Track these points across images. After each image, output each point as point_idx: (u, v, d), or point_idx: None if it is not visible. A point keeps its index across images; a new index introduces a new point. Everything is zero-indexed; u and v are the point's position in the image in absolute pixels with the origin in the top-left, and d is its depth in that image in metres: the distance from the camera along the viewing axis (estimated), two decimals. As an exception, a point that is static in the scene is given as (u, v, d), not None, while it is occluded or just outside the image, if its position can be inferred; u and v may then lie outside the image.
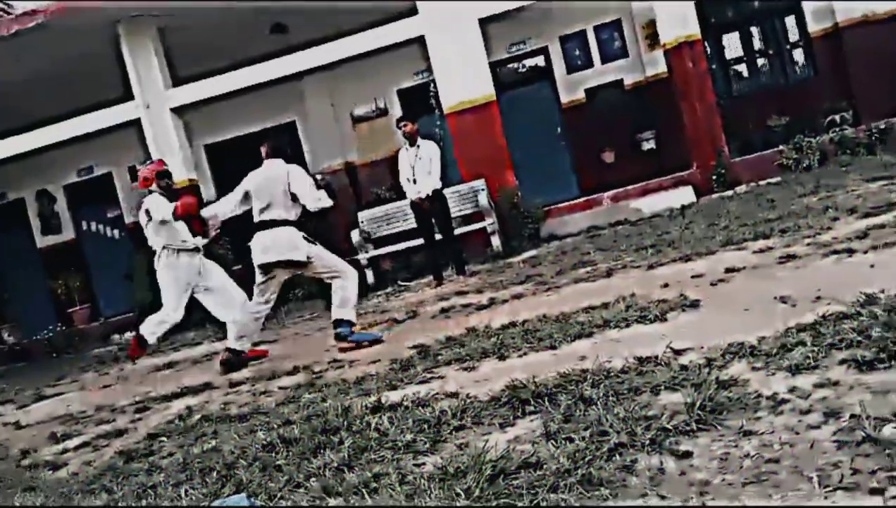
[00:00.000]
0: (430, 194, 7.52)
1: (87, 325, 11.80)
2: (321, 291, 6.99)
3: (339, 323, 5.10)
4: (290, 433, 3.03)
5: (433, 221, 7.82)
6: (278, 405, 3.73)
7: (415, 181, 7.66)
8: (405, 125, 7.59)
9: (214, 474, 2.79)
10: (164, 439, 3.67)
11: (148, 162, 6.32)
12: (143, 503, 2.65)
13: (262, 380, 4.65)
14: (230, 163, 12.91)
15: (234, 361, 5.33)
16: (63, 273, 12.56)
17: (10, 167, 11.65)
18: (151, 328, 5.92)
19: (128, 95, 10.69)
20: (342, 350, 5.00)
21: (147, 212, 5.71)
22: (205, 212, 5.54)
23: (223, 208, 5.52)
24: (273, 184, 5.19)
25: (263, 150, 5.40)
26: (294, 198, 5.18)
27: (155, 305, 6.05)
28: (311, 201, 5.13)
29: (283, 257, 5.11)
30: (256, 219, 5.24)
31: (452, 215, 9.48)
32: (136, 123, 10.76)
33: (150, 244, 5.92)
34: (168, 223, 5.66)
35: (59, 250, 13.51)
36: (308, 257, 5.11)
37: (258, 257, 5.19)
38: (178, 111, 10.75)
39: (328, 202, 5.20)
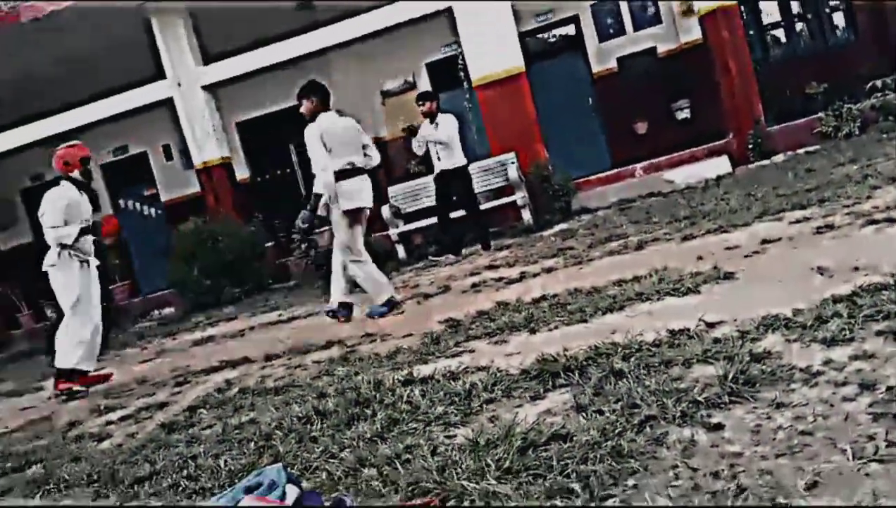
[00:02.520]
0: (452, 170, 7.51)
1: (127, 301, 12.08)
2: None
3: (343, 306, 5.48)
4: (325, 405, 3.09)
5: (454, 197, 7.80)
6: (313, 379, 3.80)
7: (439, 158, 7.66)
8: (423, 104, 7.54)
9: (252, 445, 2.87)
10: (203, 411, 3.76)
11: (65, 144, 5.81)
12: (183, 473, 2.73)
13: (297, 354, 4.73)
14: (261, 140, 13.07)
15: (346, 314, 5.55)
16: (102, 251, 12.84)
17: (46, 148, 11.90)
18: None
19: (160, 74, 10.82)
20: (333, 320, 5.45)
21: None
22: (325, 189, 5.23)
23: (328, 171, 5.19)
24: (350, 133, 5.37)
25: (310, 104, 5.39)
26: (364, 151, 5.45)
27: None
28: (375, 153, 5.51)
29: (370, 203, 5.40)
30: (340, 167, 5.24)
31: (482, 190, 9.47)
32: (168, 102, 10.90)
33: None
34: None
35: (97, 228, 13.81)
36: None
37: (349, 203, 5.27)
38: (209, 89, 10.85)
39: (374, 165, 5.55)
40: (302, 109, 5.40)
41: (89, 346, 5.51)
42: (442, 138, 7.52)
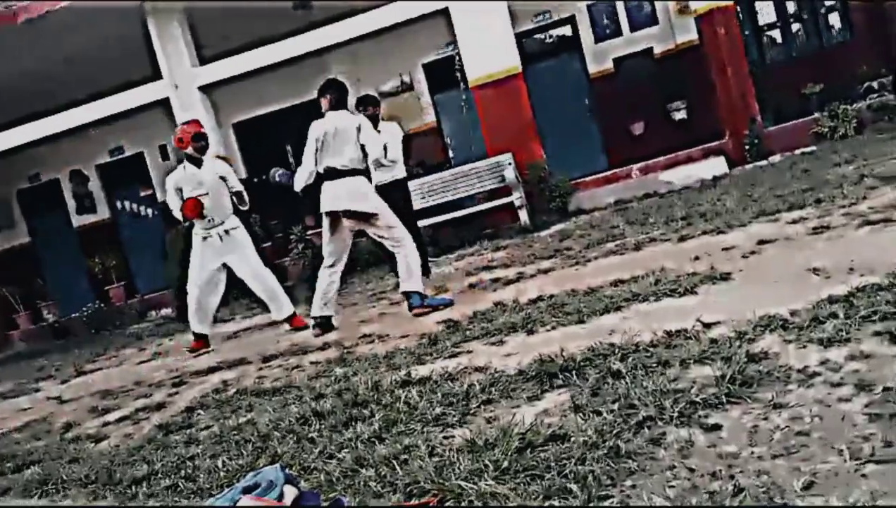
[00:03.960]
0: (390, 183, 6.43)
1: (124, 302, 12.06)
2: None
3: (408, 295, 5.10)
4: (323, 406, 3.09)
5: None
6: (310, 380, 3.80)
7: (375, 169, 6.51)
8: (365, 109, 6.36)
9: (250, 446, 2.87)
10: (201, 412, 3.76)
11: (185, 121, 6.16)
12: (181, 473, 2.73)
13: (295, 355, 4.73)
14: (258, 141, 13.05)
15: (328, 324, 5.33)
16: (99, 252, 12.83)
17: (42, 149, 11.88)
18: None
19: (156, 75, 10.80)
20: (416, 316, 4.97)
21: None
22: (296, 184, 5.31)
23: (308, 169, 5.21)
24: (343, 134, 5.11)
25: (325, 102, 5.27)
26: (363, 150, 5.14)
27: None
28: (377, 151, 5.13)
29: (352, 206, 5.06)
30: (323, 168, 5.14)
31: (479, 191, 9.49)
32: (164, 103, 10.88)
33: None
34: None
35: (95, 230, 13.79)
36: (375, 210, 5.08)
37: (326, 205, 5.13)
38: (205, 90, 10.84)
39: (390, 162, 5.27)
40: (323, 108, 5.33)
41: (200, 310, 5.99)
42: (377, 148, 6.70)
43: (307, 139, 5.18)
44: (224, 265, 5.93)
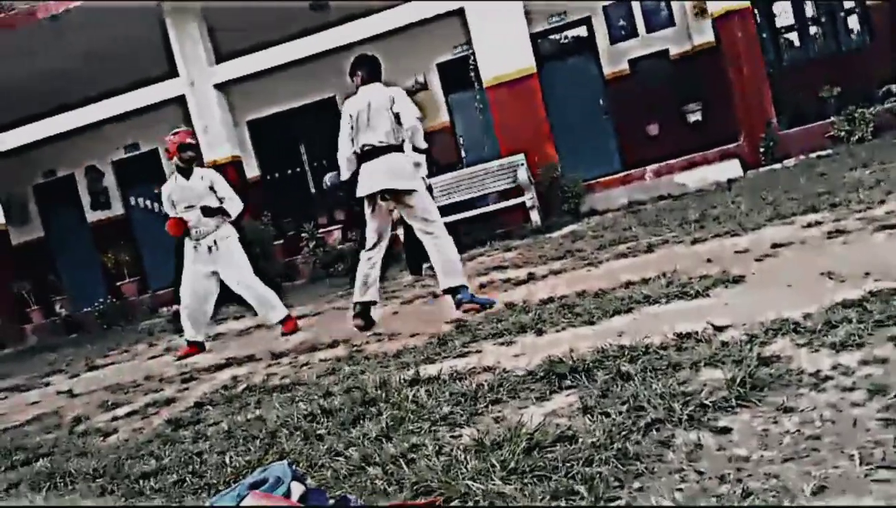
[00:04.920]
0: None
1: (137, 297, 12.15)
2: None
3: (453, 292, 4.75)
4: (331, 403, 3.08)
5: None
6: (319, 377, 3.80)
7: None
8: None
9: (258, 442, 2.87)
10: (209, 408, 3.77)
11: (174, 131, 6.04)
12: (189, 469, 2.73)
13: (304, 353, 4.74)
14: (272, 139, 13.11)
15: (366, 313, 5.05)
16: (112, 247, 12.94)
17: (58, 144, 11.99)
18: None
19: (172, 72, 10.87)
20: (466, 312, 4.62)
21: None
22: (342, 173, 5.02)
23: (347, 153, 4.95)
24: (378, 109, 4.79)
25: (357, 79, 5.02)
26: (399, 122, 4.79)
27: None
28: (412, 119, 4.71)
29: (390, 184, 4.75)
30: (360, 147, 4.86)
31: (491, 191, 9.47)
32: (180, 100, 10.95)
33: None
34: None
35: (109, 225, 13.90)
36: (414, 187, 4.77)
37: (364, 188, 4.81)
38: (221, 87, 10.90)
39: (424, 143, 4.82)
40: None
41: (193, 317, 6.01)
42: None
43: (341, 119, 4.93)
44: (215, 273, 5.91)
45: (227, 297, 6.19)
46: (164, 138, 6.05)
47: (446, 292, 4.82)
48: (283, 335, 5.73)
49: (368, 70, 5.00)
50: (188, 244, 5.91)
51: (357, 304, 5.03)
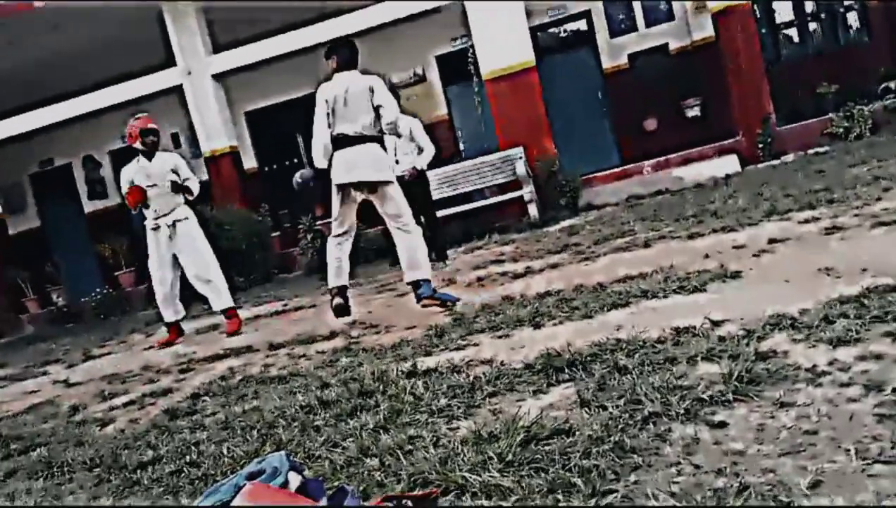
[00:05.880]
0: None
1: (133, 288, 12.13)
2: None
3: (416, 285, 4.80)
4: (328, 395, 3.09)
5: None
6: (316, 369, 3.81)
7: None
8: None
9: (255, 433, 2.87)
10: (207, 398, 3.77)
11: (136, 116, 6.26)
12: (186, 459, 2.74)
13: (301, 344, 4.74)
14: (269, 130, 13.07)
15: (343, 297, 5.02)
16: (109, 237, 12.90)
17: (56, 133, 11.94)
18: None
19: (170, 62, 10.82)
20: (425, 307, 4.74)
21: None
22: (316, 160, 4.94)
23: (322, 139, 4.85)
24: (355, 97, 4.71)
25: (332, 63, 4.90)
26: (377, 113, 4.73)
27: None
28: (392, 113, 4.67)
29: (366, 176, 4.70)
30: (335, 134, 4.77)
31: (489, 184, 9.46)
32: (178, 90, 10.91)
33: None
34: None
35: (106, 215, 13.86)
36: (389, 179, 4.74)
37: (339, 176, 4.74)
38: (218, 78, 10.86)
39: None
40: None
41: (165, 302, 6.26)
42: None
43: (315, 105, 4.86)
44: (175, 257, 6.12)
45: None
46: (128, 123, 6.27)
47: (409, 285, 4.89)
48: (228, 335, 5.86)
49: (345, 56, 4.90)
50: (150, 233, 6.10)
51: (334, 288, 5.01)
